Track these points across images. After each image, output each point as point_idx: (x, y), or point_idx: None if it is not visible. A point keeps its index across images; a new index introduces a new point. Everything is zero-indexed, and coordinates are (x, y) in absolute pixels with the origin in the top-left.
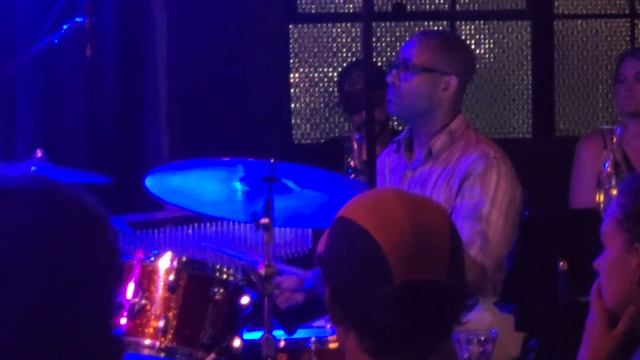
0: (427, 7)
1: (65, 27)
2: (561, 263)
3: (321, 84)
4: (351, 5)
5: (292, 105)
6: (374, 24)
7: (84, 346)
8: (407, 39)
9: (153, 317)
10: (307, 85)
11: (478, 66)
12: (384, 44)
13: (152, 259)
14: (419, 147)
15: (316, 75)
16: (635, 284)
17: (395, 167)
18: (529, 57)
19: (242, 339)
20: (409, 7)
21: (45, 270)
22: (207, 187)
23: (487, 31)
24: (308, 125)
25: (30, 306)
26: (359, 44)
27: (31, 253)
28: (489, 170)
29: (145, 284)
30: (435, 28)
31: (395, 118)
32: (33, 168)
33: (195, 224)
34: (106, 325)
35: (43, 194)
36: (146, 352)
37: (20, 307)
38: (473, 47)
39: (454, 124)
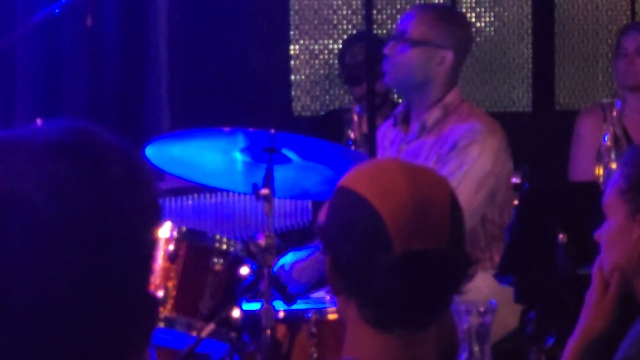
0: None
1: None
2: (561, 235)
3: (321, 56)
4: None
5: (292, 77)
6: None
7: (121, 304)
8: None
9: (152, 287)
10: (307, 57)
11: (478, 39)
12: (384, 16)
13: None
14: (415, 120)
15: (316, 47)
16: (637, 254)
17: (393, 140)
18: (530, 31)
19: (242, 310)
20: None
21: (83, 228)
22: (207, 158)
23: (487, 4)
24: (308, 98)
25: (68, 265)
26: (359, 16)
27: (69, 211)
28: (471, 144)
29: None
30: (436, 1)
31: (395, 91)
32: None
33: (195, 195)
34: (143, 285)
35: (81, 149)
36: None
37: (57, 266)
38: (473, 20)
39: (449, 98)
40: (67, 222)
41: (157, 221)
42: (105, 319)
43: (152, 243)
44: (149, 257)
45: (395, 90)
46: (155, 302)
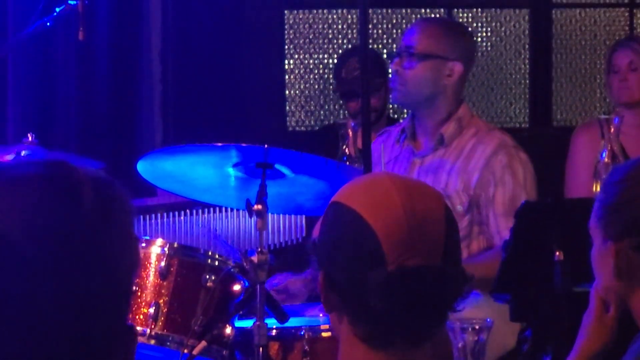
0: None
1: (58, 9)
2: (557, 253)
3: (316, 71)
4: None
5: (287, 92)
6: (370, 11)
7: (99, 334)
8: (404, 26)
9: (144, 303)
10: (302, 72)
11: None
12: (380, 31)
13: (144, 244)
14: (422, 135)
15: (311, 62)
16: (614, 277)
17: (397, 157)
18: (527, 46)
19: (234, 327)
20: None
21: (59, 262)
22: (200, 173)
23: (484, 19)
24: (302, 113)
25: (45, 297)
26: (354, 31)
27: (44, 245)
28: (513, 160)
29: None
30: (433, 15)
31: (390, 106)
32: (24, 152)
33: (187, 211)
34: (122, 315)
35: (56, 181)
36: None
37: (34, 300)
38: None
39: (460, 112)
40: (43, 256)
41: (133, 250)
42: (83, 349)
43: (129, 271)
44: (127, 285)
45: (391, 106)
46: (134, 333)
